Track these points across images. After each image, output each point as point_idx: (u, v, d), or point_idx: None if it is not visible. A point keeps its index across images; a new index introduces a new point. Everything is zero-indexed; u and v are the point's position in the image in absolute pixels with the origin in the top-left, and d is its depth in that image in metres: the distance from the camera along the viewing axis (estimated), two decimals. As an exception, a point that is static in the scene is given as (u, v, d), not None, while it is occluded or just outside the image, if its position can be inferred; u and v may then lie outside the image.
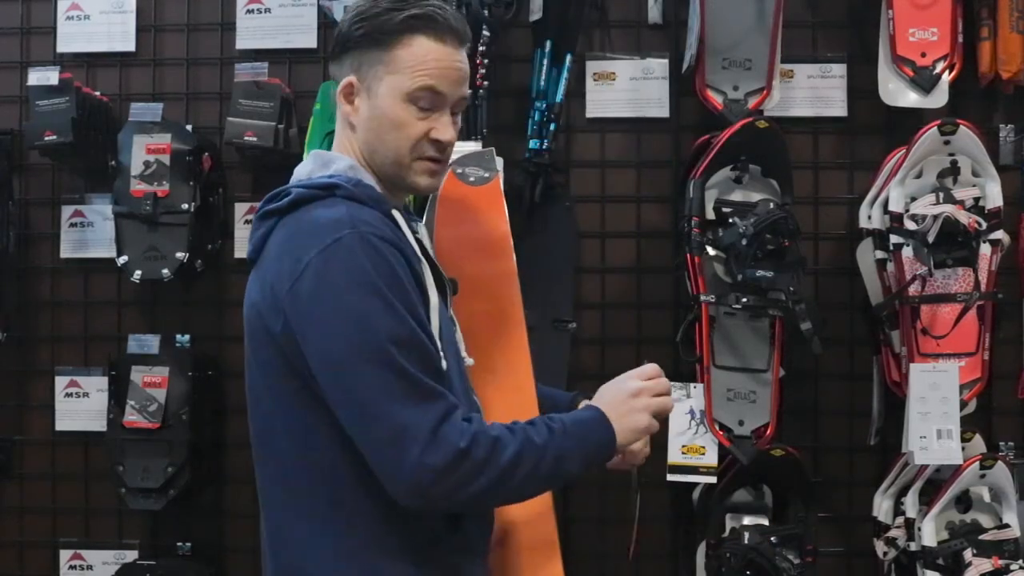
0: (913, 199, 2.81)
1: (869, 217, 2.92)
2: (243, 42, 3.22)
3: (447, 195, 2.07)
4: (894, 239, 2.80)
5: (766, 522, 2.85)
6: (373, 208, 1.80)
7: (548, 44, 3.01)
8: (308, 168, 1.90)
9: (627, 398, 1.88)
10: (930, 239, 2.72)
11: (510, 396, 2.02)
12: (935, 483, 2.83)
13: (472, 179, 2.21)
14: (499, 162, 2.34)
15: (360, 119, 1.87)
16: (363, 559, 1.76)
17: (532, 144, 2.99)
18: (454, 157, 2.13)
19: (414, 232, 1.87)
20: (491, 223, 2.17)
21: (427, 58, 1.83)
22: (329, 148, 1.94)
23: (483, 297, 2.08)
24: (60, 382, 3.25)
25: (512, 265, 2.13)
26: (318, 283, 1.70)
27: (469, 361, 1.95)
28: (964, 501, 2.83)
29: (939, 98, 2.91)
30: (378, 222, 1.77)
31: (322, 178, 1.84)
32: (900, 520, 2.84)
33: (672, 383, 2.79)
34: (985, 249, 2.78)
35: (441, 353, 1.76)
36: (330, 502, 1.76)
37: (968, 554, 2.72)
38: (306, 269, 1.71)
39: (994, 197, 2.80)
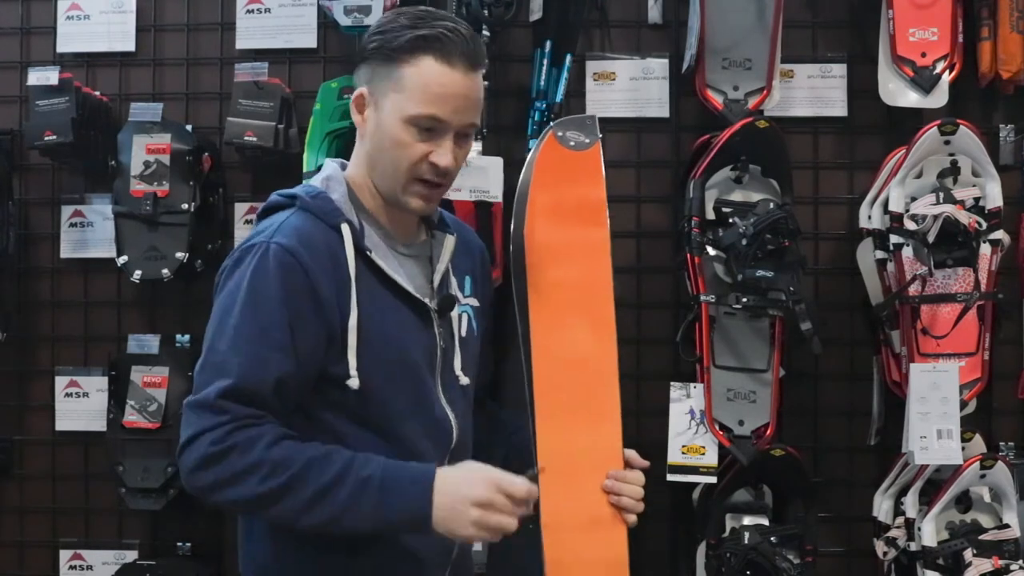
0: (913, 199, 2.81)
1: (869, 217, 2.93)
2: (243, 42, 3.22)
3: (544, 158, 2.02)
4: (894, 239, 2.80)
5: (766, 522, 2.85)
6: (321, 221, 1.86)
7: (548, 44, 3.01)
8: (313, 179, 1.99)
9: (467, 502, 1.76)
10: (930, 239, 2.72)
11: (587, 373, 1.98)
12: (935, 483, 2.83)
13: (572, 143, 2.17)
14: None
15: (367, 131, 1.90)
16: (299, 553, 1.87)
17: (532, 144, 2.98)
18: (555, 122, 2.13)
19: (366, 250, 1.88)
20: (588, 189, 2.12)
21: (431, 82, 1.83)
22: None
23: (574, 265, 2.03)
24: (60, 382, 3.25)
25: (606, 235, 2.07)
26: (225, 276, 1.88)
27: (464, 380, 1.96)
28: (964, 501, 2.83)
29: (939, 98, 2.91)
30: (304, 237, 1.84)
31: (302, 187, 1.95)
32: (900, 520, 2.85)
33: (672, 383, 2.83)
34: (985, 249, 2.78)
35: (352, 376, 1.81)
36: None
37: (968, 554, 2.72)
38: (224, 262, 1.91)
39: (994, 197, 2.81)
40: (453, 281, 1.99)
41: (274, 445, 1.74)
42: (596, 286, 2.04)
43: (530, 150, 2.95)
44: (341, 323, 1.82)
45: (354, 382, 1.81)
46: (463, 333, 1.98)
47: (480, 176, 2.87)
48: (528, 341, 1.97)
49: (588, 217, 2.06)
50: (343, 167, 1.97)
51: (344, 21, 2.88)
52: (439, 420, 1.92)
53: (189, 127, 3.15)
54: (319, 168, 2.79)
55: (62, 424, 3.25)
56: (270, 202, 1.95)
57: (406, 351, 1.89)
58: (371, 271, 1.87)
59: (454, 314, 1.97)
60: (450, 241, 2.00)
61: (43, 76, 3.04)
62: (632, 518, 1.91)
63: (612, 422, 1.97)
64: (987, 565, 2.72)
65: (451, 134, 1.87)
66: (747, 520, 2.85)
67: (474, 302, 2.03)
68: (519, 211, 2.01)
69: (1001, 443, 3.01)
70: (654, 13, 3.15)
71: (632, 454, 2.00)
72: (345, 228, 1.86)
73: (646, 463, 2.00)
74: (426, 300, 1.92)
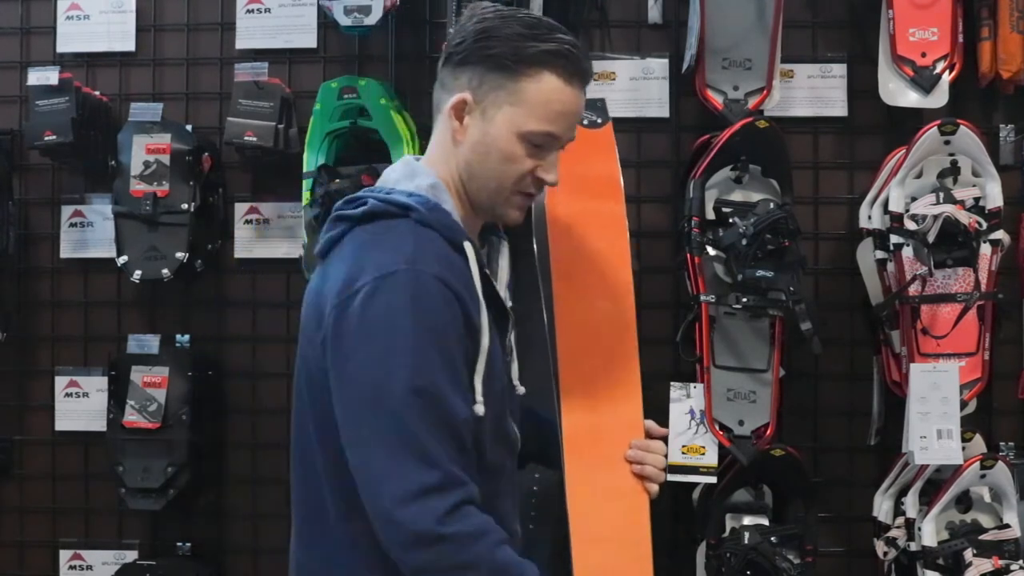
0: (913, 199, 2.81)
1: (869, 217, 2.92)
2: (243, 42, 3.22)
3: None
4: (894, 239, 2.80)
5: (766, 522, 2.85)
6: (443, 237, 1.76)
7: (548, 44, 3.00)
8: (396, 175, 1.86)
9: None
10: (930, 239, 2.72)
11: (607, 342, 1.97)
12: (935, 483, 2.83)
13: (586, 122, 2.22)
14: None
15: (467, 139, 1.83)
16: None
17: (532, 144, 2.99)
18: None
19: (482, 265, 1.80)
20: (602, 164, 2.16)
21: (552, 99, 1.79)
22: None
23: (593, 237, 2.06)
24: (60, 382, 3.25)
25: (622, 208, 2.12)
26: (361, 312, 1.68)
27: (521, 390, 1.93)
28: (964, 501, 2.83)
29: (939, 98, 2.91)
30: (441, 259, 1.73)
31: (401, 193, 1.79)
32: (900, 520, 2.84)
33: (672, 383, 2.83)
34: (985, 249, 2.78)
35: (478, 402, 1.72)
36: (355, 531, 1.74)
37: (968, 554, 2.72)
38: (356, 293, 1.69)
39: (994, 197, 2.80)
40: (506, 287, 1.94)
41: (497, 548, 1.67)
42: (615, 257, 2.08)
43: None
44: (471, 355, 1.74)
45: (480, 408, 1.73)
46: (513, 342, 1.94)
47: (480, 176, 2.87)
48: (552, 311, 1.98)
49: (604, 191, 2.09)
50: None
51: (344, 21, 2.87)
52: (511, 433, 1.89)
53: (189, 127, 3.15)
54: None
55: (62, 424, 3.25)
56: (374, 207, 1.78)
57: (503, 370, 1.85)
58: (482, 287, 1.79)
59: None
60: (506, 248, 1.95)
61: (43, 76, 3.04)
62: (655, 488, 1.90)
63: (633, 391, 1.98)
64: (987, 565, 2.72)
65: (558, 149, 1.84)
66: (747, 520, 2.85)
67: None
68: None
69: (1001, 443, 3.01)
70: (654, 13, 3.15)
71: (651, 424, 2.00)
72: (468, 247, 1.78)
73: (665, 431, 2.00)
74: (510, 311, 1.88)
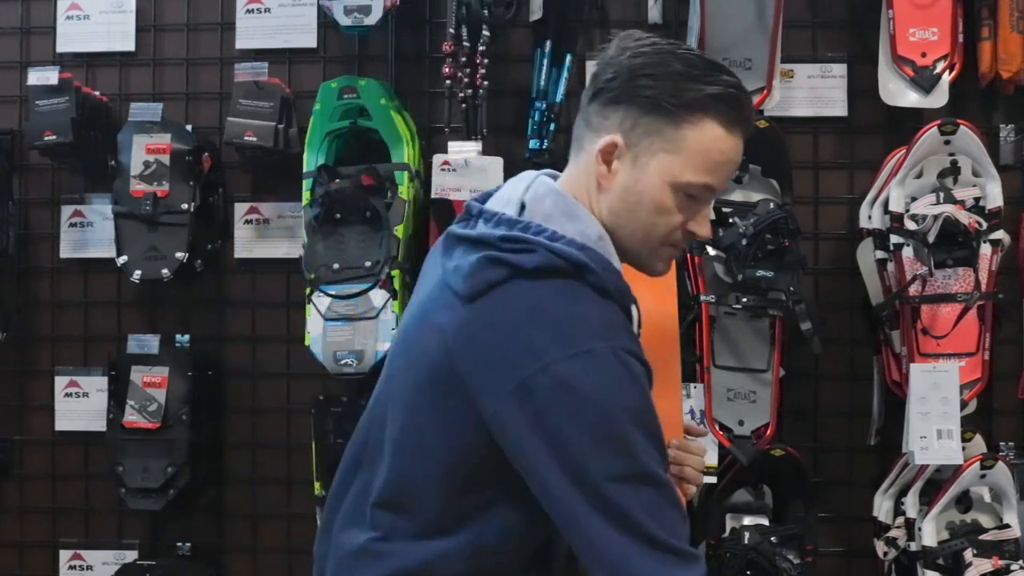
0: (913, 199, 2.81)
1: (869, 217, 2.92)
2: (243, 42, 3.22)
3: None
4: (894, 239, 2.80)
5: (766, 522, 2.85)
6: (613, 301, 1.62)
7: (548, 44, 3.01)
8: (548, 208, 1.67)
9: None
10: (930, 239, 2.72)
11: (653, 338, 1.87)
12: (935, 483, 2.83)
13: None
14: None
15: (614, 186, 1.66)
16: None
17: (532, 144, 2.99)
18: None
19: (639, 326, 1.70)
20: None
21: (713, 148, 1.63)
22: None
23: None
24: (60, 382, 3.25)
25: None
26: (567, 394, 1.54)
27: None
28: (964, 501, 2.83)
29: (939, 98, 2.91)
30: (626, 330, 1.62)
31: (571, 245, 1.62)
32: (900, 520, 2.84)
33: (672, 383, 2.83)
34: (985, 249, 2.78)
35: None
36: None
37: (968, 554, 2.72)
38: (546, 370, 1.54)
39: (994, 197, 2.80)
40: None
41: None
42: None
43: (531, 150, 2.98)
44: None
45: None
46: None
47: (480, 176, 2.87)
48: None
49: None
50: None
51: (344, 21, 2.87)
52: None
53: (189, 127, 3.14)
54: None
55: (62, 424, 3.25)
56: (548, 262, 1.59)
57: None
58: None
59: None
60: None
61: (43, 76, 3.03)
62: (692, 490, 1.84)
63: (675, 389, 1.94)
64: (987, 565, 2.72)
65: (712, 200, 1.71)
66: (747, 520, 2.85)
67: None
68: None
69: (1001, 443, 3.00)
70: (654, 13, 3.14)
71: (691, 423, 1.96)
72: (635, 313, 1.67)
73: (704, 431, 1.95)
74: None
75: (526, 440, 1.56)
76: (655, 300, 1.93)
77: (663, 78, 1.62)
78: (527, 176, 1.76)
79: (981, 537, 2.77)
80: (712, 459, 2.80)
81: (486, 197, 1.78)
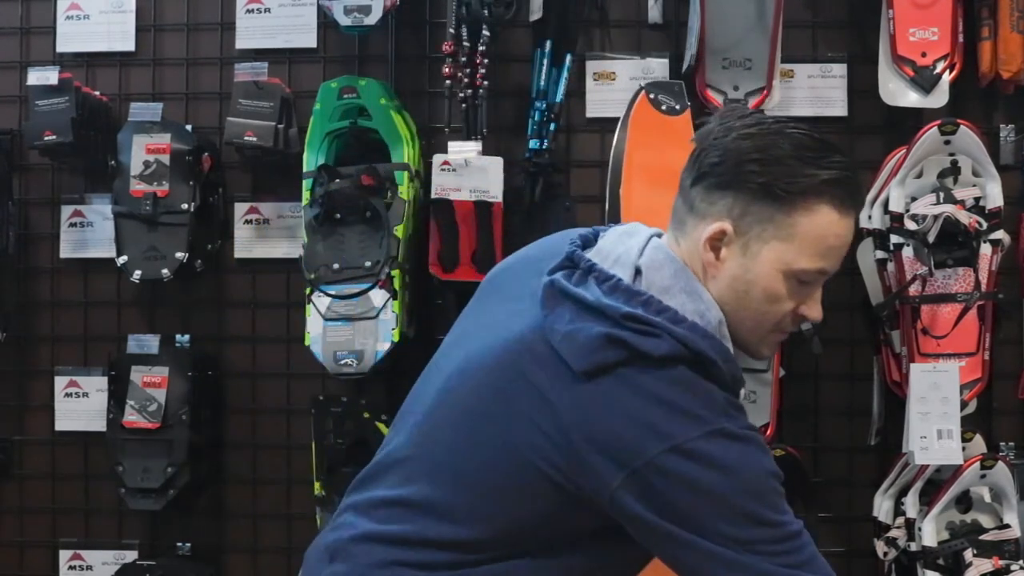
0: (913, 199, 2.81)
1: (869, 217, 2.92)
2: (243, 42, 3.22)
3: (640, 118, 1.92)
4: (894, 239, 2.80)
5: (766, 522, 2.85)
6: (733, 396, 1.60)
7: (548, 44, 3.00)
8: (666, 279, 1.60)
9: None
10: (930, 239, 2.72)
11: None
12: (935, 483, 2.83)
13: (664, 108, 2.14)
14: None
15: (723, 274, 1.61)
16: None
17: (532, 144, 2.99)
18: (645, 84, 2.02)
19: None
20: (678, 156, 2.10)
21: (828, 233, 1.59)
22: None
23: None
24: (60, 382, 3.25)
25: None
26: (704, 468, 1.51)
27: None
28: (964, 501, 2.83)
29: (939, 98, 2.91)
30: (744, 415, 1.60)
31: (694, 331, 1.57)
32: (900, 520, 2.84)
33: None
34: (985, 249, 2.78)
35: None
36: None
37: (968, 554, 2.72)
38: (681, 447, 1.50)
39: (994, 197, 2.80)
40: None
41: None
42: None
43: (531, 150, 2.98)
44: None
45: None
46: None
47: (480, 176, 2.87)
48: None
49: (675, 183, 2.05)
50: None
51: (344, 21, 2.87)
52: None
53: (189, 127, 3.14)
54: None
55: (62, 424, 3.25)
56: (675, 352, 1.54)
57: None
58: None
59: None
60: None
61: (43, 76, 3.03)
62: None
63: None
64: (987, 565, 2.72)
65: (823, 282, 1.66)
66: (747, 520, 2.84)
67: None
68: (615, 169, 1.92)
69: (1001, 443, 3.00)
70: (654, 13, 3.14)
71: None
72: (742, 399, 1.64)
73: None
74: None
75: (653, 524, 1.54)
76: None
77: (773, 163, 1.57)
78: (639, 232, 1.69)
79: (981, 537, 2.76)
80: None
81: (586, 242, 1.70)
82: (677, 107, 2.11)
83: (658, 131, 1.99)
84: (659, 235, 1.70)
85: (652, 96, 2.09)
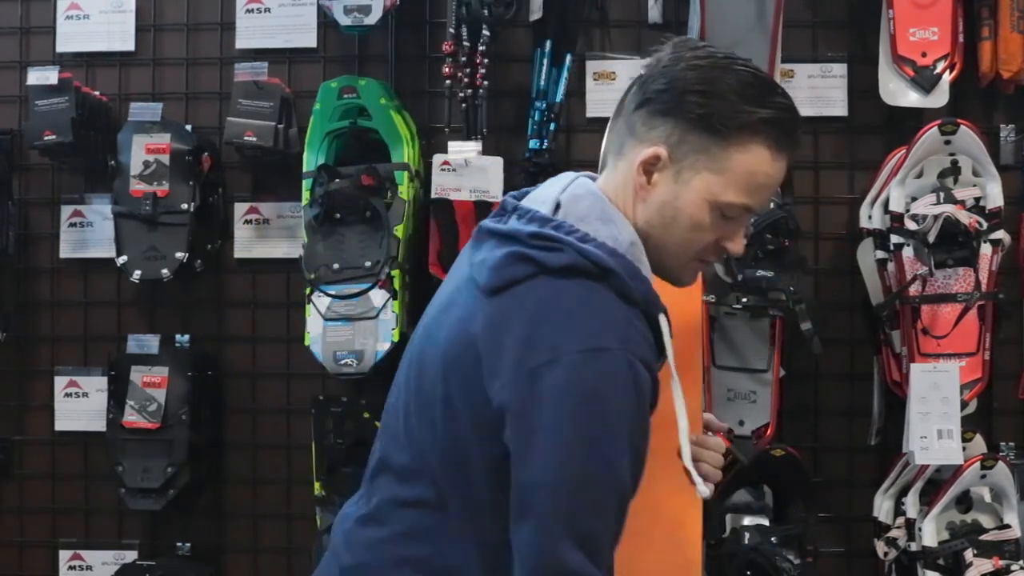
0: (913, 199, 2.81)
1: (869, 217, 2.92)
2: (243, 42, 3.22)
3: None
4: (894, 239, 2.80)
5: (766, 522, 2.85)
6: (640, 313, 1.61)
7: (548, 44, 3.00)
8: (584, 209, 1.65)
9: None
10: (931, 239, 2.72)
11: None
12: (935, 483, 2.83)
13: None
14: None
15: (653, 198, 1.65)
16: None
17: (532, 144, 2.99)
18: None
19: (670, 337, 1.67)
20: None
21: (758, 172, 1.63)
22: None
23: None
24: (60, 382, 3.25)
25: None
26: (567, 385, 1.53)
27: None
28: (965, 501, 2.83)
29: (939, 98, 2.90)
30: (645, 340, 1.60)
31: (602, 248, 1.61)
32: (901, 520, 2.84)
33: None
34: (986, 249, 2.78)
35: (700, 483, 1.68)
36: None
37: (969, 554, 2.72)
38: (558, 360, 1.53)
39: (995, 197, 2.80)
40: None
41: None
42: None
43: (531, 150, 2.98)
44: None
45: (704, 490, 1.69)
46: None
47: (480, 176, 2.87)
48: None
49: None
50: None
51: (344, 21, 2.87)
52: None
53: (189, 127, 3.14)
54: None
55: (61, 424, 3.25)
56: (575, 263, 1.59)
57: None
58: None
59: None
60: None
61: (43, 76, 3.03)
62: (709, 487, 1.80)
63: (695, 385, 1.92)
64: (988, 565, 2.72)
65: (748, 219, 1.70)
66: (747, 520, 2.85)
67: None
68: None
69: (1002, 443, 3.00)
70: (654, 13, 3.14)
71: (710, 417, 1.93)
72: (664, 323, 1.64)
73: (725, 426, 1.92)
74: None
75: (523, 419, 1.56)
76: (681, 297, 1.92)
77: (716, 97, 1.60)
78: (567, 176, 1.75)
79: (981, 537, 2.76)
80: (712, 459, 2.81)
81: (523, 194, 1.77)
82: None
83: None
84: (592, 178, 1.74)
85: None
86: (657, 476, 1.76)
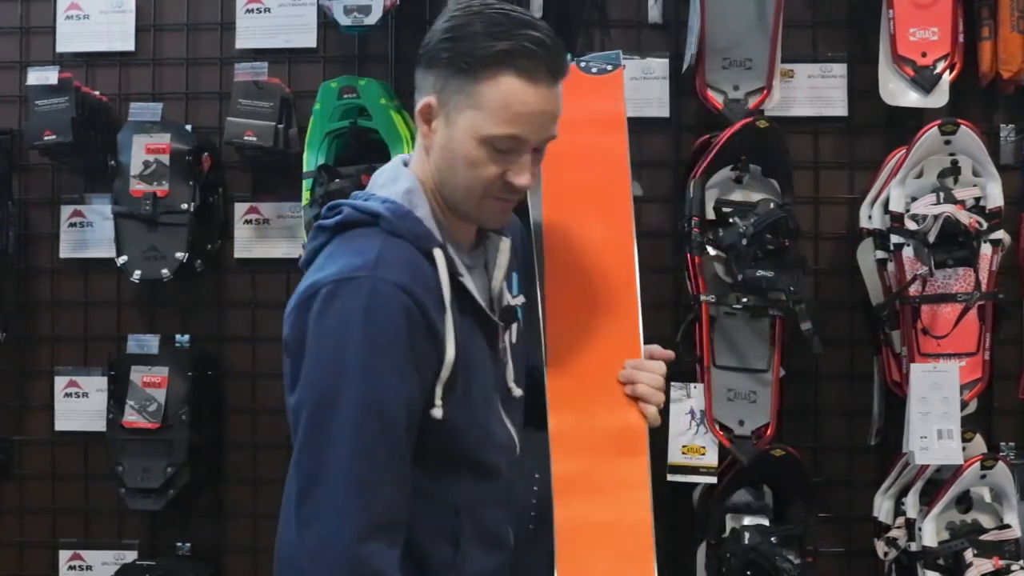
0: (913, 199, 2.81)
1: (869, 217, 2.92)
2: (243, 42, 3.22)
3: (566, 84, 1.97)
4: (894, 239, 2.80)
5: (766, 522, 2.85)
6: (413, 246, 1.71)
7: (548, 44, 3.00)
8: (383, 178, 1.82)
9: None
10: (931, 239, 2.72)
11: (603, 266, 1.94)
12: (935, 483, 2.83)
13: (594, 70, 2.17)
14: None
15: (434, 145, 1.76)
16: None
17: (532, 144, 2.99)
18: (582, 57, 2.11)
19: (454, 273, 1.75)
20: (607, 102, 2.11)
21: (512, 101, 1.69)
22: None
23: (589, 167, 2.04)
24: (60, 382, 3.25)
25: (623, 138, 2.08)
26: (318, 316, 1.66)
27: (518, 392, 1.87)
28: (965, 501, 2.83)
29: (939, 98, 2.91)
30: (406, 267, 1.69)
31: (377, 200, 1.76)
32: (901, 520, 2.84)
33: (672, 383, 2.83)
34: (986, 249, 2.78)
35: (436, 406, 1.70)
36: None
37: (969, 554, 2.72)
38: (315, 295, 1.67)
39: (995, 197, 2.80)
40: (505, 285, 1.85)
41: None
42: (612, 184, 2.05)
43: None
44: (440, 356, 1.71)
45: (438, 412, 1.71)
46: (513, 340, 1.87)
47: (480, 176, 2.86)
48: (540, 240, 1.96)
49: (606, 125, 2.06)
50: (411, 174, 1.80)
51: (344, 21, 2.87)
52: (505, 436, 1.85)
53: (189, 127, 3.15)
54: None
55: (61, 424, 3.25)
56: (345, 217, 1.75)
57: (486, 375, 1.81)
58: (455, 294, 1.74)
59: None
60: (505, 244, 1.84)
61: (43, 76, 3.04)
62: (652, 411, 1.84)
63: (629, 314, 1.94)
64: (988, 565, 2.72)
65: (529, 150, 1.74)
66: (747, 520, 2.85)
67: (522, 300, 1.90)
68: None
69: (1002, 443, 3.00)
70: (654, 13, 3.14)
71: (656, 348, 1.95)
72: (439, 255, 1.72)
73: (670, 354, 1.95)
74: (495, 318, 1.82)
75: (286, 364, 1.72)
76: (609, 233, 1.95)
77: (461, 39, 1.70)
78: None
79: (981, 537, 2.77)
80: (712, 459, 2.81)
81: None
82: (608, 67, 2.14)
83: (583, 88, 2.03)
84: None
85: (583, 64, 2.14)
86: (587, 413, 1.82)
